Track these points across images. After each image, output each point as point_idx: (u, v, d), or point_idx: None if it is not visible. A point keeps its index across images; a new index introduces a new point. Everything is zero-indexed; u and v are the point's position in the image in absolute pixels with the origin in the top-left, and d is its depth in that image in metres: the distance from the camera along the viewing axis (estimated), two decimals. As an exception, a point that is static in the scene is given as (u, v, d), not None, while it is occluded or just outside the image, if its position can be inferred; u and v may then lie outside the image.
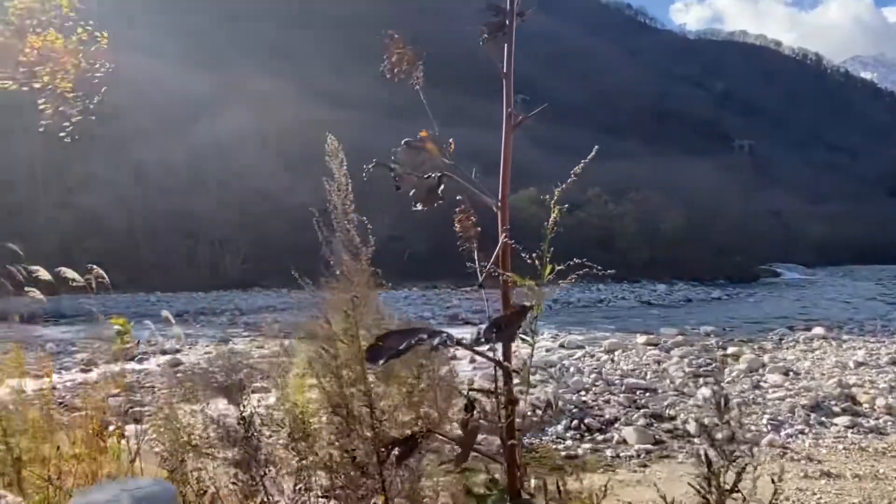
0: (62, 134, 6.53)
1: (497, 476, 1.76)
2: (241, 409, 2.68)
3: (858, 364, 13.28)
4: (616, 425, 9.15)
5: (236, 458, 2.58)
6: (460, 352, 1.50)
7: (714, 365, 13.52)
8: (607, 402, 10.54)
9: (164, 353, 16.04)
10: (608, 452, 7.97)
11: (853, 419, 9.12)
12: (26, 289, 4.54)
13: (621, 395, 10.88)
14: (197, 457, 2.86)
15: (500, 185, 1.83)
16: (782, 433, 8.57)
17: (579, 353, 15.69)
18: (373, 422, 2.05)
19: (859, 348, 15.63)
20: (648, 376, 12.64)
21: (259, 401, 2.74)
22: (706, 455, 1.70)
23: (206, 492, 2.89)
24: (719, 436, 1.73)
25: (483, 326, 1.53)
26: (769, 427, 8.79)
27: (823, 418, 9.26)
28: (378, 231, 2.31)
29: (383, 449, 1.92)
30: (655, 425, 9.16)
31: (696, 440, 8.23)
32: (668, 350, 15.60)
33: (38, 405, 3.72)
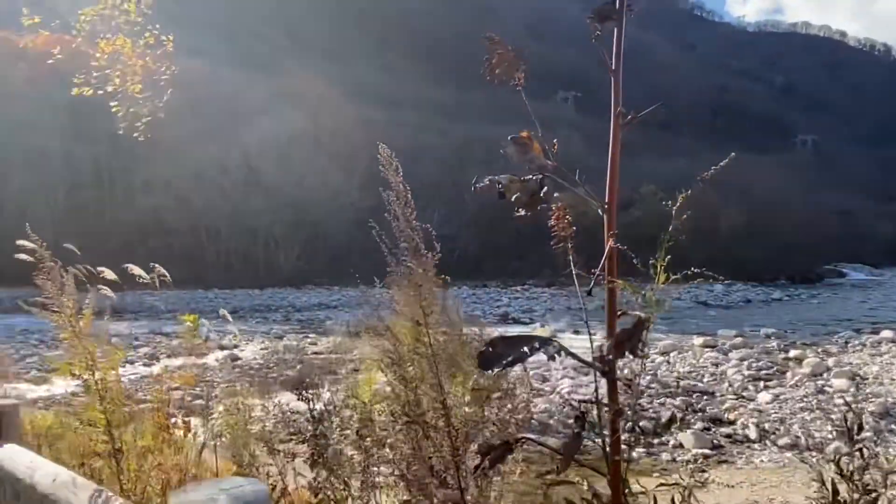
0: (135, 134, 6.78)
1: (595, 488, 1.68)
2: (311, 406, 2.70)
3: (932, 370, 12.62)
4: (672, 429, 8.94)
5: (306, 455, 2.60)
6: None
7: (777, 370, 13.04)
8: (662, 404, 10.30)
9: (221, 348, 16.51)
10: (664, 456, 7.79)
11: (927, 427, 8.68)
12: (98, 286, 4.72)
13: (677, 398, 10.62)
14: (268, 452, 2.90)
15: (606, 187, 1.76)
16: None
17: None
18: (449, 429, 2.02)
19: (933, 353, 14.85)
20: (706, 379, 12.30)
21: (323, 396, 2.76)
22: (833, 485, 1.55)
23: (275, 487, 2.93)
24: (849, 464, 1.55)
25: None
26: (834, 434, 8.43)
27: (893, 426, 8.83)
28: (426, 230, 2.30)
29: (478, 454, 1.86)
30: (713, 429, 8.91)
31: (756, 445, 7.95)
32: (727, 352, 15.17)
33: (107, 398, 3.85)
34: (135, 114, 6.61)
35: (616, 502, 1.63)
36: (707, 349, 15.86)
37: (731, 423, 9.20)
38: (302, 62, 76.25)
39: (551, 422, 9.09)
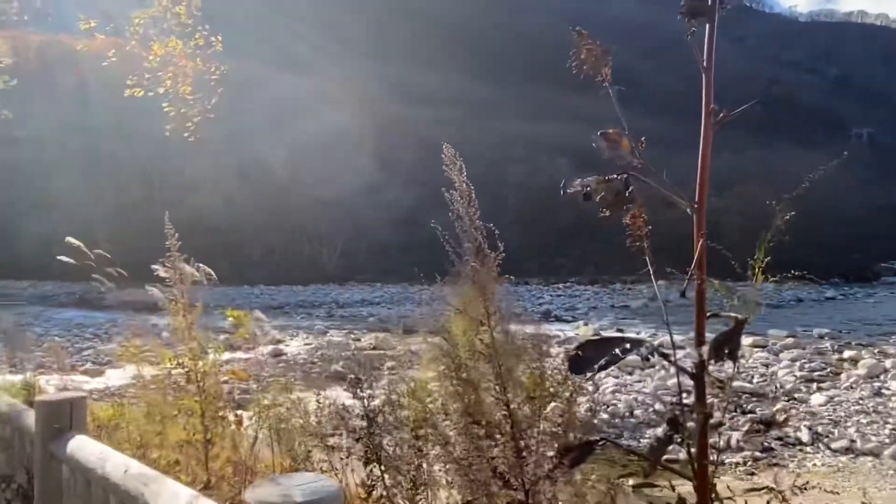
0: (185, 134, 6.95)
1: (680, 492, 1.62)
2: (365, 403, 2.70)
3: None
4: (720, 430, 8.73)
5: (360, 452, 2.61)
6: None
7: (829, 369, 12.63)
8: (710, 405, 10.07)
9: (268, 343, 16.80)
10: (711, 458, 7.61)
11: None
12: (146, 285, 4.85)
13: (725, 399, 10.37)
14: (323, 448, 2.91)
15: (696, 186, 1.72)
16: (909, 446, 7.89)
17: (679, 353, 15.07)
18: (513, 430, 1.99)
19: None
20: (755, 380, 11.98)
21: (377, 393, 2.75)
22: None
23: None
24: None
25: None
26: (892, 437, 8.12)
27: (957, 431, 8.45)
28: (490, 229, 2.28)
29: (558, 454, 1.83)
30: (764, 432, 8.67)
31: (808, 448, 7.71)
32: (777, 353, 14.74)
33: (157, 391, 3.96)
34: (185, 115, 6.77)
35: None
36: (757, 349, 15.42)
37: (782, 425, 8.94)
38: (342, 61, 77.05)
39: (595, 422, 8.96)
